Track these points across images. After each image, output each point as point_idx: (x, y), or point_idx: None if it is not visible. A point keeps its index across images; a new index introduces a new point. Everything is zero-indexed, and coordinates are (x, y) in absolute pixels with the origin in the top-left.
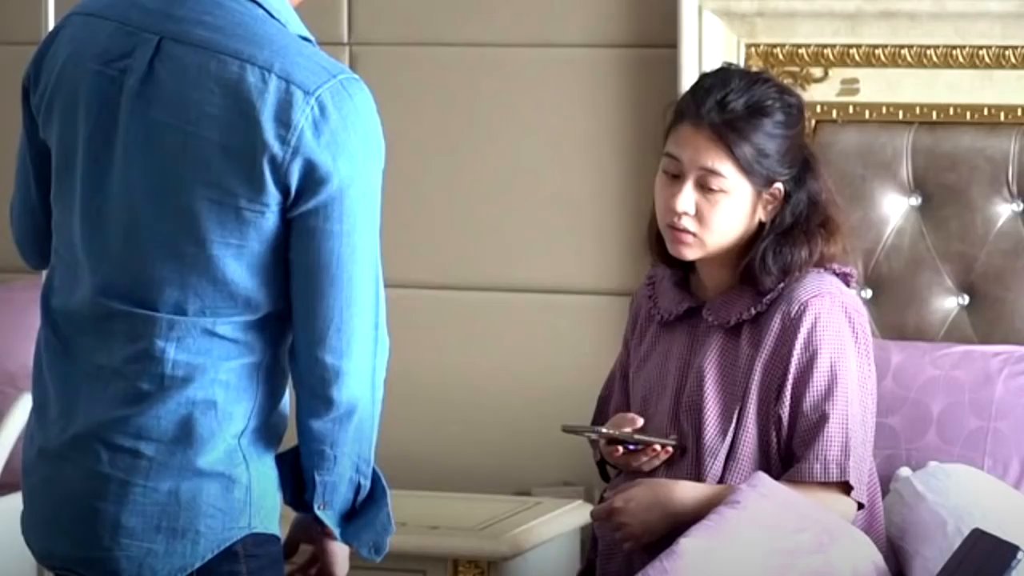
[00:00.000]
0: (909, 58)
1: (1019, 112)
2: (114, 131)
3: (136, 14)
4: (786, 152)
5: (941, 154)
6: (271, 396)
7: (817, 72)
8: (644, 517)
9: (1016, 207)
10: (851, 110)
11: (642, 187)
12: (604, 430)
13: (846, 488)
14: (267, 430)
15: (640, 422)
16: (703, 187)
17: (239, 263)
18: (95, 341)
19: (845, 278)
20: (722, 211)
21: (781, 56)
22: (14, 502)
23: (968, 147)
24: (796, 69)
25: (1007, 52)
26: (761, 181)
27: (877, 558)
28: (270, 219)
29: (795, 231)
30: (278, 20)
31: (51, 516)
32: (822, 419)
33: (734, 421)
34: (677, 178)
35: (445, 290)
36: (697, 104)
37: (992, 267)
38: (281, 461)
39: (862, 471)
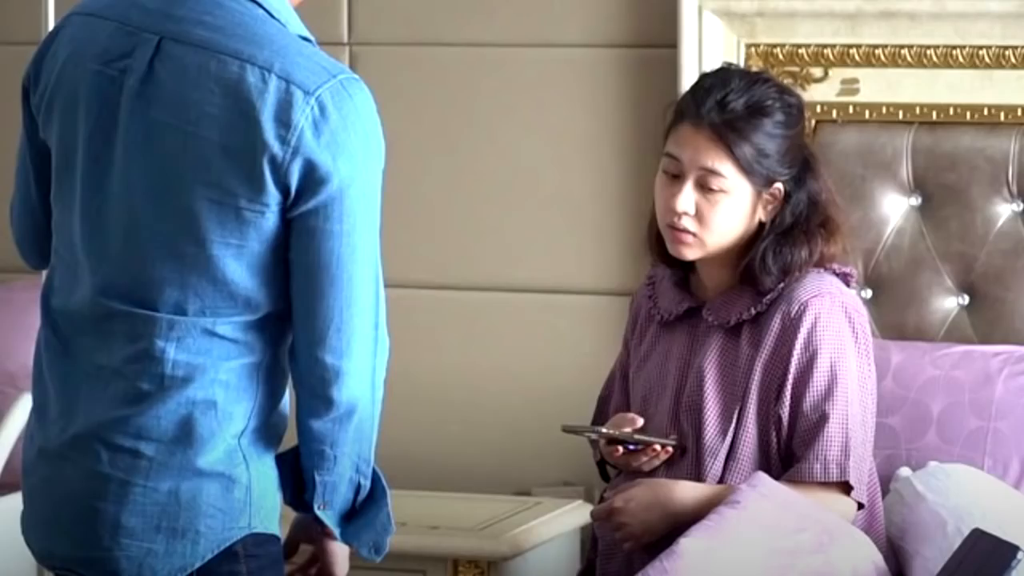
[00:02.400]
0: (909, 58)
1: (1019, 112)
2: (114, 131)
3: (136, 14)
4: (786, 152)
5: (941, 154)
6: (271, 396)
7: (817, 72)
8: (644, 517)
9: (1016, 207)
10: (851, 110)
11: (642, 187)
12: (604, 430)
13: (846, 488)
14: (267, 430)
15: (640, 422)
16: (703, 187)
17: (239, 263)
18: (95, 341)
19: (845, 278)
20: (722, 211)
21: (781, 56)
22: (14, 502)
23: (968, 147)
24: (796, 69)
25: (1007, 52)
26: (761, 181)
27: (877, 558)
28: (270, 219)
29: (795, 231)
30: (278, 20)
31: (51, 516)
32: (822, 419)
33: (734, 421)
34: (677, 178)
35: (445, 290)
36: (697, 104)
37: (992, 267)
38: (281, 461)
39: (862, 471)
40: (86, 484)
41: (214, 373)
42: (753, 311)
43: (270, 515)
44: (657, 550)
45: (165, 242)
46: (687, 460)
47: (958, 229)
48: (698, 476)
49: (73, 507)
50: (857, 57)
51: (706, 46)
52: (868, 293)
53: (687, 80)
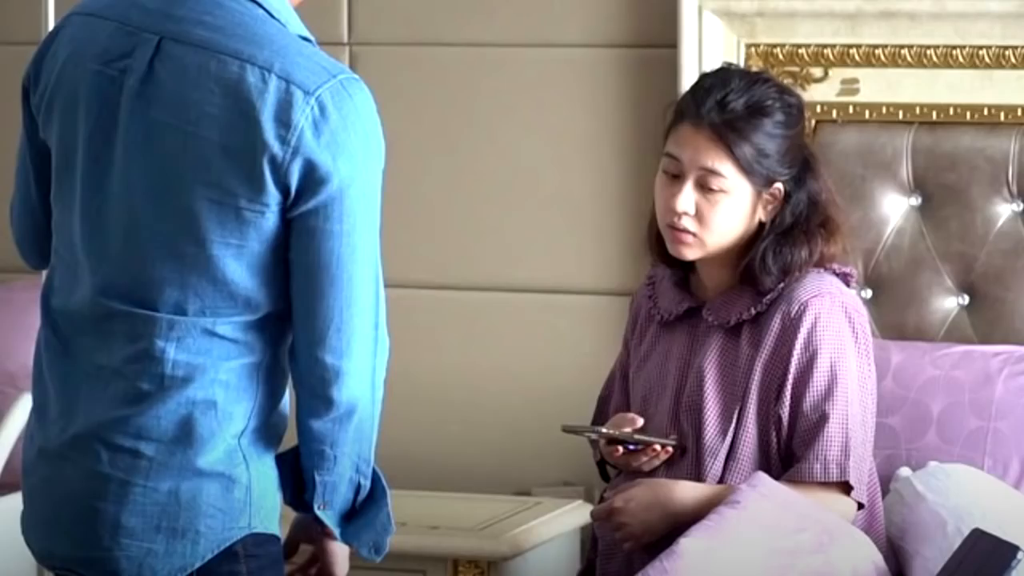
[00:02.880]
0: (909, 58)
1: (1019, 112)
2: (114, 131)
3: (136, 14)
4: (786, 152)
5: (941, 154)
6: (271, 396)
7: (817, 72)
8: (644, 517)
9: (1016, 207)
10: (851, 110)
11: (642, 187)
12: (604, 430)
13: (846, 488)
14: (267, 430)
15: (640, 422)
16: (703, 187)
17: (239, 263)
18: (95, 341)
19: (845, 278)
20: (722, 211)
21: (781, 56)
22: (14, 502)
23: (968, 147)
24: (796, 69)
25: (1007, 52)
26: (761, 181)
27: (877, 558)
28: (270, 219)
29: (795, 231)
30: (278, 20)
31: (51, 516)
32: (822, 419)
33: (734, 421)
34: (677, 178)
35: (445, 290)
36: (697, 104)
37: (992, 267)
38: (281, 461)
39: (862, 471)
40: (86, 484)
41: (214, 373)
42: (753, 311)
43: (270, 515)
44: (657, 550)
45: (165, 242)
46: (687, 460)
47: (958, 229)
48: (698, 476)
49: (73, 507)
50: (857, 57)
51: (706, 46)
52: (868, 293)
53: (687, 80)
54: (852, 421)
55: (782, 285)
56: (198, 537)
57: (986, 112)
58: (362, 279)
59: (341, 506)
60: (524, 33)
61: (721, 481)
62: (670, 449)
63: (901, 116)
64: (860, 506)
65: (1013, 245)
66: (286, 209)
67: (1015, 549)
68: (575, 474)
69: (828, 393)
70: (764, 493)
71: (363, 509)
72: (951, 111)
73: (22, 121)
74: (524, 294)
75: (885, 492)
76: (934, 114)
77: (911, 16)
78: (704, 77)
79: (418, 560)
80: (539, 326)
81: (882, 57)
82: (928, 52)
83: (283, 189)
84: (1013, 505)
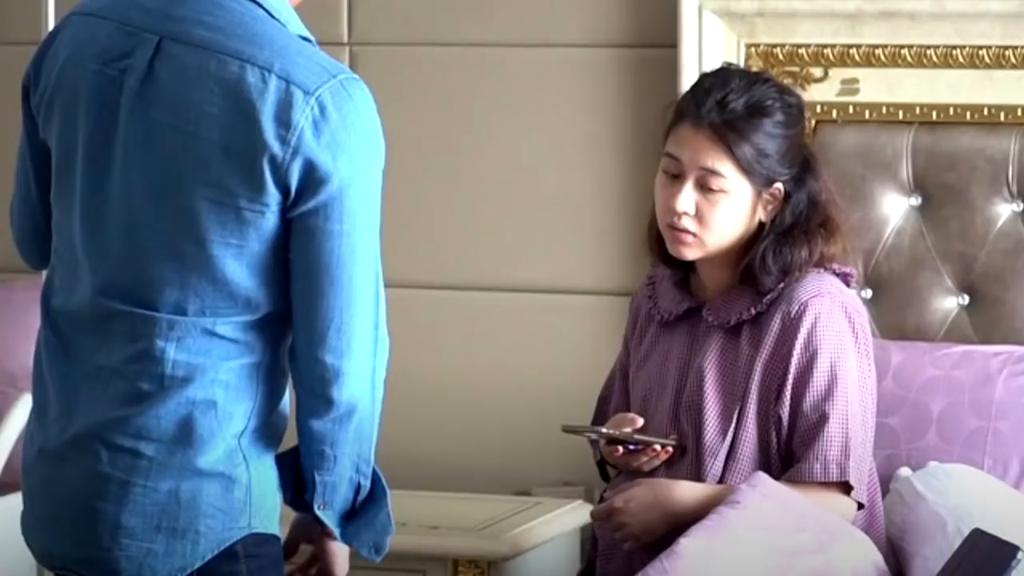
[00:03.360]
0: (909, 58)
1: (1019, 112)
2: (114, 131)
3: (136, 14)
4: (786, 152)
5: (941, 154)
6: (271, 396)
7: (817, 72)
8: (644, 517)
9: (1016, 207)
10: (851, 110)
11: (642, 187)
12: (604, 430)
13: (846, 488)
14: (267, 430)
15: (640, 422)
16: (703, 187)
17: (239, 263)
18: (95, 341)
19: (845, 278)
20: (722, 211)
21: (781, 56)
22: (14, 502)
23: (968, 147)
24: (796, 69)
25: (1007, 52)
26: (761, 181)
27: (877, 558)
28: (270, 219)
29: (795, 231)
30: (278, 20)
31: (51, 516)
32: (822, 419)
33: (734, 421)
34: (677, 178)
35: (445, 290)
36: (697, 104)
37: (992, 267)
38: (281, 461)
39: (862, 471)
40: (86, 484)
41: (214, 373)
42: (753, 311)
43: (270, 515)
44: (657, 550)
45: (165, 242)
46: (687, 460)
47: (958, 229)
48: (698, 476)
49: (73, 507)
50: (857, 57)
51: (706, 46)
52: (868, 293)
53: (687, 80)
54: (852, 421)
55: (782, 285)
56: (198, 537)
57: (986, 112)
58: (362, 279)
59: (341, 506)
60: (524, 33)
61: (721, 481)
62: (670, 449)
63: (901, 116)
64: (860, 506)
65: (1013, 245)
66: (286, 209)
67: (1015, 549)
68: (575, 474)
69: (828, 393)
70: (764, 493)
71: (363, 509)
72: (951, 111)
73: (22, 121)
74: (524, 294)
75: (885, 492)
76: (934, 114)
77: (911, 16)
78: (704, 77)
79: (418, 560)
80: (539, 326)
81: (882, 57)
82: (928, 52)
83: (283, 189)
84: (1013, 505)
